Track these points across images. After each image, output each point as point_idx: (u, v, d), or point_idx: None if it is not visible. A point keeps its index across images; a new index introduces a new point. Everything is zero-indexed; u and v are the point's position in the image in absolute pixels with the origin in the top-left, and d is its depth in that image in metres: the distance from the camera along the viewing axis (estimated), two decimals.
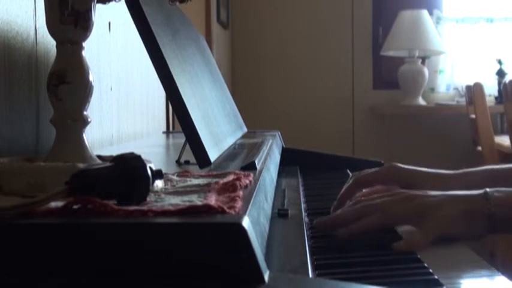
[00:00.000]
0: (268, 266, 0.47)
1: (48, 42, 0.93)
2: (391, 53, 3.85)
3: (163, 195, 0.57)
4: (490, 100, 3.55)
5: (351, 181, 0.97)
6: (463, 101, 3.62)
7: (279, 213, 0.86)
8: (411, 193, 0.81)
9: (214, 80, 1.29)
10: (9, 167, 0.64)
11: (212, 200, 0.52)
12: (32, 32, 0.89)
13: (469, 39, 3.99)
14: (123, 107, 1.39)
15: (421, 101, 3.84)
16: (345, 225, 0.78)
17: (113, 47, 1.31)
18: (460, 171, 0.99)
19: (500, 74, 3.82)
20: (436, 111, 3.84)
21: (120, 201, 0.51)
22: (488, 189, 0.78)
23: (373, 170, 0.99)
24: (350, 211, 0.81)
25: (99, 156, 0.71)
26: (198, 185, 0.62)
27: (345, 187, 0.97)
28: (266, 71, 3.99)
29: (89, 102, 0.70)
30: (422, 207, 0.78)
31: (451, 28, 4.00)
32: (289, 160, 1.42)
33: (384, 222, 0.78)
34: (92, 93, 0.70)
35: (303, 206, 0.98)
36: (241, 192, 0.57)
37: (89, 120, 0.70)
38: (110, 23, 1.28)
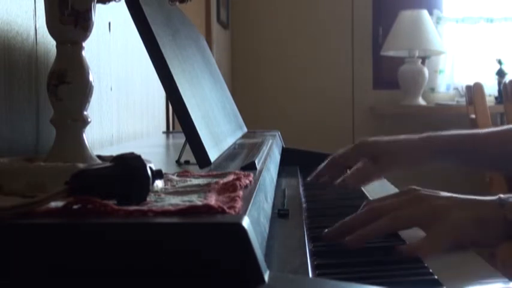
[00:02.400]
0: (268, 266, 0.47)
1: (48, 42, 0.93)
2: (391, 53, 3.85)
3: (163, 195, 0.57)
4: (490, 100, 3.55)
5: (326, 160, 1.06)
6: (463, 101, 3.62)
7: (279, 213, 0.86)
8: (420, 194, 0.78)
9: (214, 80, 1.29)
10: (9, 167, 0.64)
11: (212, 200, 0.52)
12: (32, 32, 0.89)
13: (469, 39, 3.99)
14: (123, 107, 1.39)
15: (421, 101, 3.84)
16: (353, 232, 0.74)
17: (113, 47, 1.31)
18: (424, 135, 1.02)
19: (500, 74, 3.82)
20: (436, 111, 3.84)
21: (120, 201, 0.51)
22: (502, 195, 0.75)
23: (345, 148, 1.07)
24: (357, 216, 0.78)
25: (99, 156, 0.71)
26: (198, 185, 0.62)
27: (321, 166, 1.06)
28: (266, 71, 3.99)
29: (89, 102, 0.70)
30: (432, 209, 0.75)
31: (451, 28, 4.00)
32: (289, 160, 1.42)
33: (392, 226, 0.75)
34: (92, 93, 0.70)
35: (303, 206, 0.98)
36: (241, 192, 0.57)
37: (89, 120, 0.70)
38: (110, 23, 1.28)
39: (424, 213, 0.74)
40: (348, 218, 0.78)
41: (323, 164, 1.07)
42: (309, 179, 1.08)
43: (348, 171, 1.05)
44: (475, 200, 0.76)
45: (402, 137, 1.03)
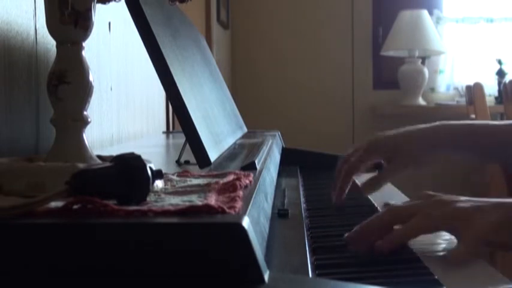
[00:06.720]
0: (268, 266, 0.47)
1: (48, 42, 0.93)
2: (391, 53, 3.85)
3: (163, 195, 0.57)
4: (490, 100, 3.55)
5: (344, 172, 0.99)
6: (463, 101, 3.62)
7: (279, 213, 0.86)
8: (440, 198, 0.76)
9: (214, 80, 1.29)
10: (9, 167, 0.64)
11: (212, 200, 0.52)
12: (32, 32, 0.89)
13: (469, 39, 3.99)
14: (123, 107, 1.39)
15: (421, 101, 3.84)
16: (378, 234, 0.73)
17: (113, 47, 1.31)
18: (436, 123, 1.02)
19: (500, 74, 3.82)
20: (436, 111, 3.84)
21: (120, 201, 0.51)
22: None
23: (359, 152, 1.01)
24: (379, 220, 0.75)
25: (99, 156, 0.71)
26: (198, 185, 0.62)
27: (339, 177, 1.00)
28: (266, 71, 3.98)
29: (89, 102, 0.70)
30: (461, 212, 0.73)
31: (451, 28, 4.00)
32: (289, 160, 1.42)
33: (424, 227, 0.73)
34: (92, 93, 0.70)
35: (303, 206, 0.98)
36: (241, 192, 0.57)
37: (89, 120, 0.70)
38: (110, 23, 1.28)
39: (453, 216, 0.73)
40: (368, 220, 0.76)
41: (338, 172, 1.00)
42: (335, 196, 0.99)
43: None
44: (496, 202, 0.74)
45: (413, 128, 1.02)
